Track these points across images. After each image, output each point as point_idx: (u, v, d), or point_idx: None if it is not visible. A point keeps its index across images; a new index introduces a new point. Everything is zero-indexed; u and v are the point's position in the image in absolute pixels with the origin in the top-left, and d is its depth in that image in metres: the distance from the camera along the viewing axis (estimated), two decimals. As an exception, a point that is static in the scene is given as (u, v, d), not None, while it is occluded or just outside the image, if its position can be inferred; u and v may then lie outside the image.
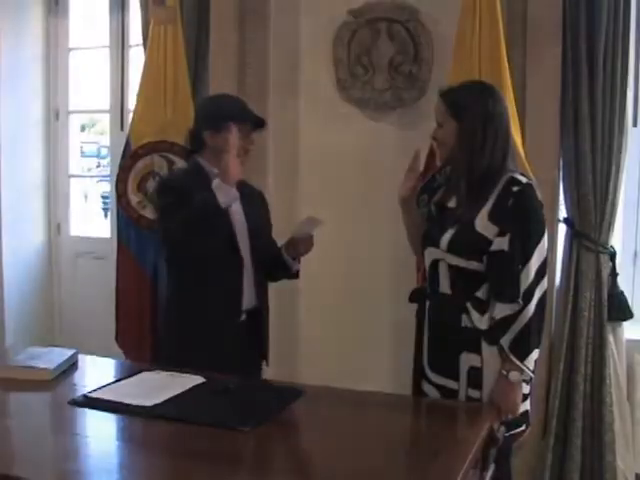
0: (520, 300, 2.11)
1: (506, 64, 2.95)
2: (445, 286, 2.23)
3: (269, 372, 2.82)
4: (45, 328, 4.40)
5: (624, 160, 3.13)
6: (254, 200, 2.72)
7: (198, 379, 2.22)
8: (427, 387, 2.31)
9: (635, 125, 3.25)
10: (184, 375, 2.24)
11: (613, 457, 3.14)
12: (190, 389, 2.14)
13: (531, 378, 2.19)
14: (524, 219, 2.13)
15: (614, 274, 3.19)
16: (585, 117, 3.09)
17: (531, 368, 2.15)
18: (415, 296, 2.43)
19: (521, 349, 2.13)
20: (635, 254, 3.46)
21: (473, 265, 2.18)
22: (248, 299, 2.61)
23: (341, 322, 3.63)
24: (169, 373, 2.27)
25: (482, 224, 2.15)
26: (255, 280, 2.63)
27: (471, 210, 2.18)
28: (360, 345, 3.62)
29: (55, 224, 4.49)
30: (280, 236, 3.62)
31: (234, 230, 2.56)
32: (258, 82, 3.59)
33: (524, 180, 2.17)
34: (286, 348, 3.68)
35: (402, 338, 3.24)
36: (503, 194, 2.15)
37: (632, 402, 3.25)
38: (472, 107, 2.20)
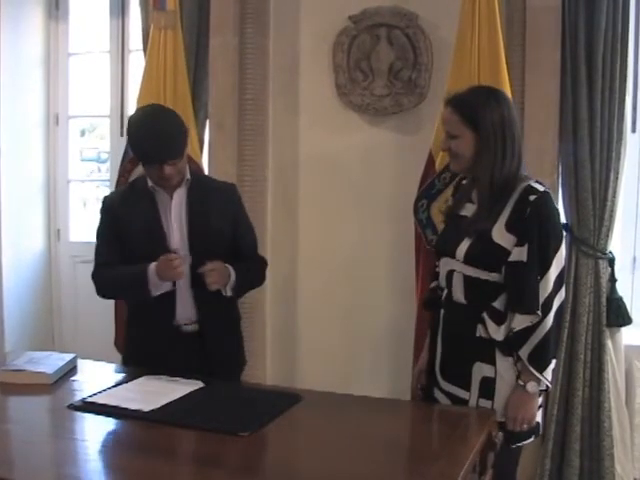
0: (539, 311, 2.06)
1: (505, 69, 2.95)
2: (460, 296, 2.19)
3: (268, 377, 2.83)
4: (44, 333, 4.40)
5: (623, 166, 3.13)
6: (214, 198, 2.54)
7: (197, 384, 2.22)
8: (438, 394, 2.28)
9: (634, 131, 3.26)
10: (183, 380, 2.25)
11: (611, 462, 3.14)
12: (189, 394, 2.14)
13: (547, 388, 2.16)
14: (542, 229, 2.07)
15: (613, 280, 3.19)
16: (584, 123, 3.09)
17: (549, 379, 2.12)
18: (429, 304, 2.40)
19: (540, 360, 2.09)
20: (634, 260, 3.45)
21: (491, 276, 2.13)
22: (184, 313, 2.49)
23: (340, 324, 3.63)
24: (168, 378, 2.27)
25: (499, 234, 2.11)
26: (195, 293, 2.47)
27: (487, 220, 2.13)
28: (358, 348, 3.62)
29: (55, 229, 4.49)
30: (280, 238, 3.64)
31: (168, 243, 2.45)
32: (258, 88, 3.60)
33: (541, 188, 2.11)
34: (285, 352, 3.69)
35: (401, 341, 3.26)
36: (520, 203, 2.10)
37: (630, 408, 3.24)
38: (489, 116, 2.12)
